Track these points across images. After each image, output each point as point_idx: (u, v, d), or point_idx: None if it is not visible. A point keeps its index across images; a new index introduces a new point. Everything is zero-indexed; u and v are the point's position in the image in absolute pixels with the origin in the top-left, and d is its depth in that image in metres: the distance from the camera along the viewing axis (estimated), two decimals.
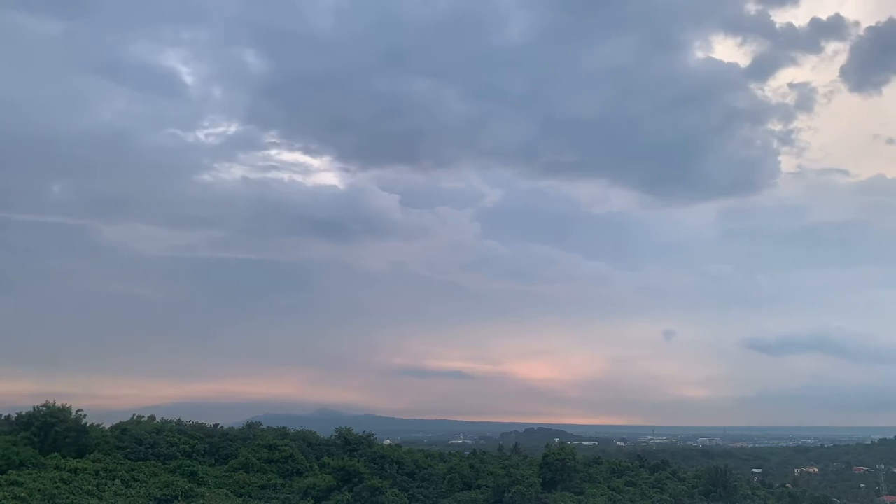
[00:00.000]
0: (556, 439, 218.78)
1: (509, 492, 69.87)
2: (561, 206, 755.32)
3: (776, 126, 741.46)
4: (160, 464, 60.93)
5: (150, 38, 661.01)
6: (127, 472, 54.78)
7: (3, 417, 71.68)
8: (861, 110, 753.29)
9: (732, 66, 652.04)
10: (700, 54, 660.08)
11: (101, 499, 47.83)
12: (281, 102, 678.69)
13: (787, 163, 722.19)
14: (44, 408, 60.11)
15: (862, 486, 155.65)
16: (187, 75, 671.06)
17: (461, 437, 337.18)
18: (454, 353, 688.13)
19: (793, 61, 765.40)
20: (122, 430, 68.91)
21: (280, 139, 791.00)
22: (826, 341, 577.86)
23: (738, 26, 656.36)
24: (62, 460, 53.59)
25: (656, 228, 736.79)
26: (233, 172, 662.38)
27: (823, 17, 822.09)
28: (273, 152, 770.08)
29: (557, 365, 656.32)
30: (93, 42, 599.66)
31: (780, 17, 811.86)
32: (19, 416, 62.25)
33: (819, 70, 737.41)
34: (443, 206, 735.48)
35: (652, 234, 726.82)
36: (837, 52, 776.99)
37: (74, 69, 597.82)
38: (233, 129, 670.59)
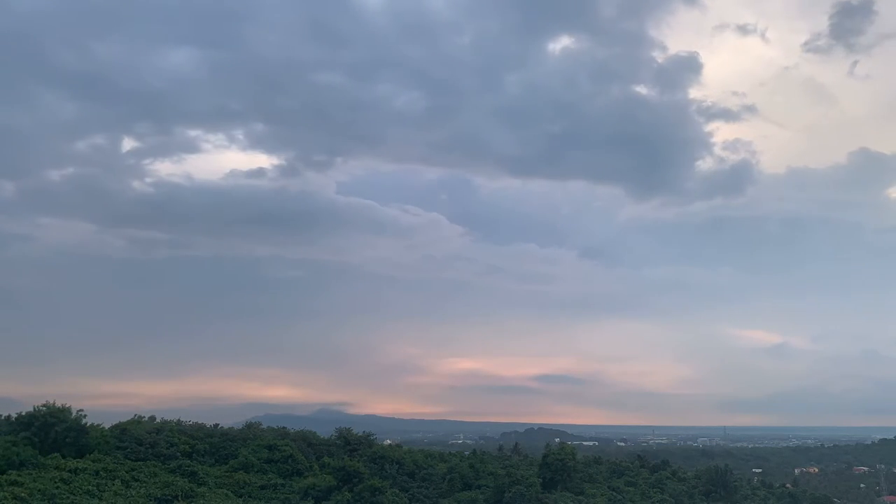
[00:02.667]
0: (556, 439, 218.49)
1: (509, 492, 69.84)
2: (543, 204, 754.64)
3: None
4: (160, 464, 60.95)
5: (87, 36, 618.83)
6: (127, 472, 54.88)
7: (3, 417, 71.54)
8: None
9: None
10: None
11: (101, 499, 47.88)
12: (239, 97, 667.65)
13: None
14: (44, 408, 60.05)
15: (862, 486, 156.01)
16: (125, 73, 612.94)
17: (461, 437, 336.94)
18: (454, 353, 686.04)
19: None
20: (122, 430, 68.89)
21: (242, 136, 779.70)
22: (826, 340, 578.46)
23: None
24: (62, 460, 53.66)
25: (649, 227, 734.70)
26: (212, 172, 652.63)
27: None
28: (234, 149, 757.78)
29: (558, 364, 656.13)
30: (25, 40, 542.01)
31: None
32: (19, 416, 62.07)
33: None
34: (413, 206, 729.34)
35: (647, 232, 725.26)
36: None
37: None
38: (197, 131, 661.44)
